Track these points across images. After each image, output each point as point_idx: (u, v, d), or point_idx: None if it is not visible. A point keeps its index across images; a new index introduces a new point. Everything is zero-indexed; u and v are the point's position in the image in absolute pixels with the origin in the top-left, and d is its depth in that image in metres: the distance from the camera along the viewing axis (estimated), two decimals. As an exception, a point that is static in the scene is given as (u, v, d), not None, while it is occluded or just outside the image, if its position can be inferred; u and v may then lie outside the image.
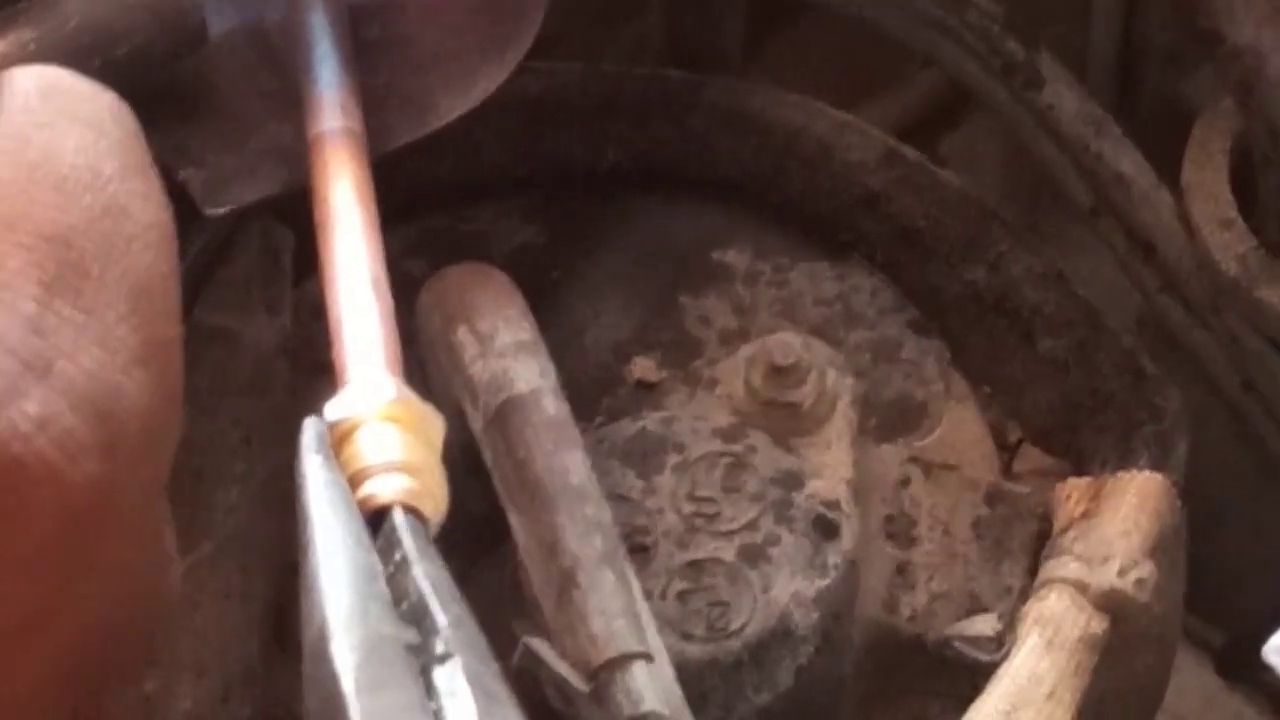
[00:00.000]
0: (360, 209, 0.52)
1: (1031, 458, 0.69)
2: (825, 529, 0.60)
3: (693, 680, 0.56)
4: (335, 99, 0.56)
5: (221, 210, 0.59)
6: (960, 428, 0.69)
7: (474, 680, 0.38)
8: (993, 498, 0.65)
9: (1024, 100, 0.75)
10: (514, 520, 0.56)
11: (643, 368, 0.68)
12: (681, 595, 0.58)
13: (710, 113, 0.73)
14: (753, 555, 0.59)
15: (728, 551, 0.59)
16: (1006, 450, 0.70)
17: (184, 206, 0.59)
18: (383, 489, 0.44)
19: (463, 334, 0.59)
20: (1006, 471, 0.69)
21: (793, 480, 0.61)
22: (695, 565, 0.59)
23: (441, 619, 0.40)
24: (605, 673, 0.52)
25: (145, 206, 0.37)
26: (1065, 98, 0.75)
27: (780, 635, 0.58)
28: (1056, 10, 0.85)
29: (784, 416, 0.62)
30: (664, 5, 0.88)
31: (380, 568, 0.42)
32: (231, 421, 0.63)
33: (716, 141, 0.73)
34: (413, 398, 0.46)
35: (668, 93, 0.73)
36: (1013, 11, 0.77)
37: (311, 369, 0.67)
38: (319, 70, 0.57)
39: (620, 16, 0.90)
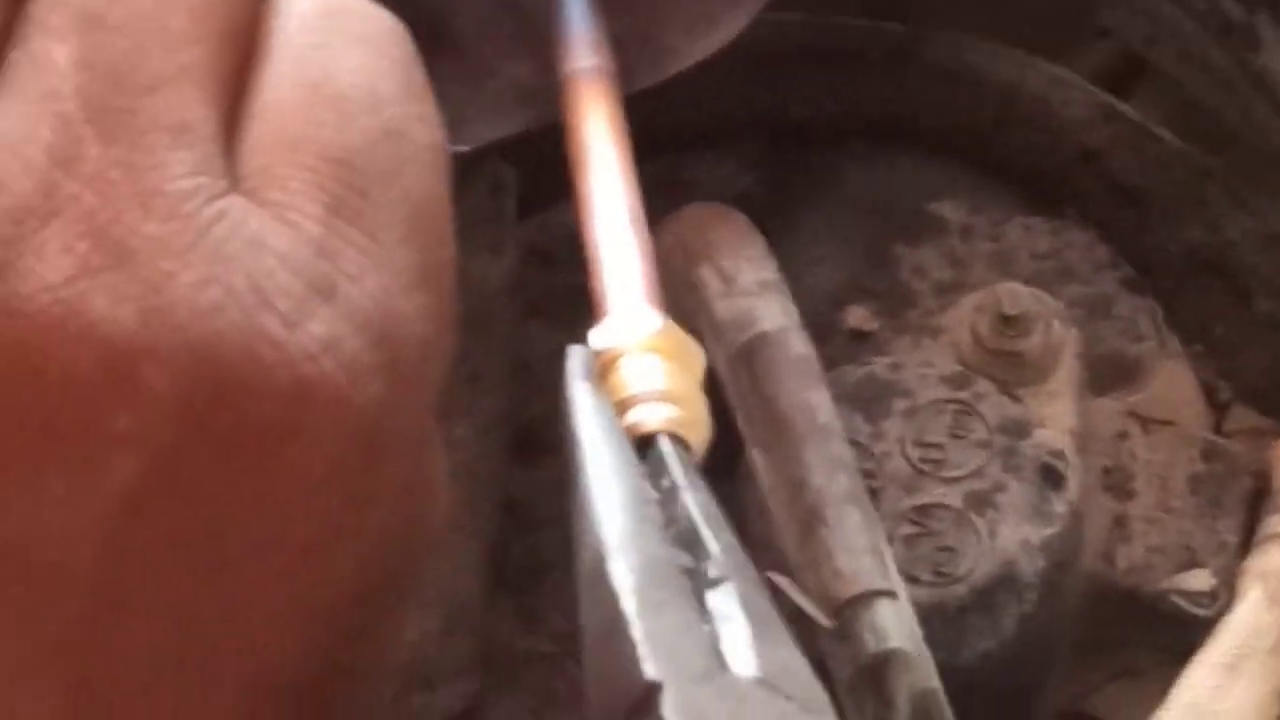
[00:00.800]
0: (616, 147, 0.52)
1: (1243, 417, 0.69)
2: (1051, 478, 0.60)
3: (918, 624, 0.56)
4: (586, 37, 0.56)
5: (464, 148, 0.60)
6: (1173, 385, 0.69)
7: (747, 605, 0.39)
8: (1209, 454, 0.65)
9: (1241, 61, 0.75)
10: (757, 456, 0.56)
11: (857, 317, 0.68)
12: (907, 540, 0.59)
13: (928, 66, 0.72)
14: (979, 502, 0.59)
15: (954, 497, 0.59)
16: (1217, 409, 0.70)
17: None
18: (649, 417, 0.44)
19: (706, 271, 0.59)
20: (1217, 430, 0.69)
21: (1019, 429, 0.61)
22: (922, 510, 0.59)
23: (714, 545, 0.40)
24: (850, 609, 0.53)
25: (422, 129, 0.37)
26: (1282, 59, 0.75)
27: (1006, 582, 0.58)
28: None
29: (1010, 366, 0.62)
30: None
31: (652, 493, 0.42)
32: (459, 358, 0.63)
33: (933, 95, 0.72)
34: (675, 328, 0.46)
35: (886, 45, 0.73)
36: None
37: (526, 310, 0.68)
38: (569, 10, 0.57)
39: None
